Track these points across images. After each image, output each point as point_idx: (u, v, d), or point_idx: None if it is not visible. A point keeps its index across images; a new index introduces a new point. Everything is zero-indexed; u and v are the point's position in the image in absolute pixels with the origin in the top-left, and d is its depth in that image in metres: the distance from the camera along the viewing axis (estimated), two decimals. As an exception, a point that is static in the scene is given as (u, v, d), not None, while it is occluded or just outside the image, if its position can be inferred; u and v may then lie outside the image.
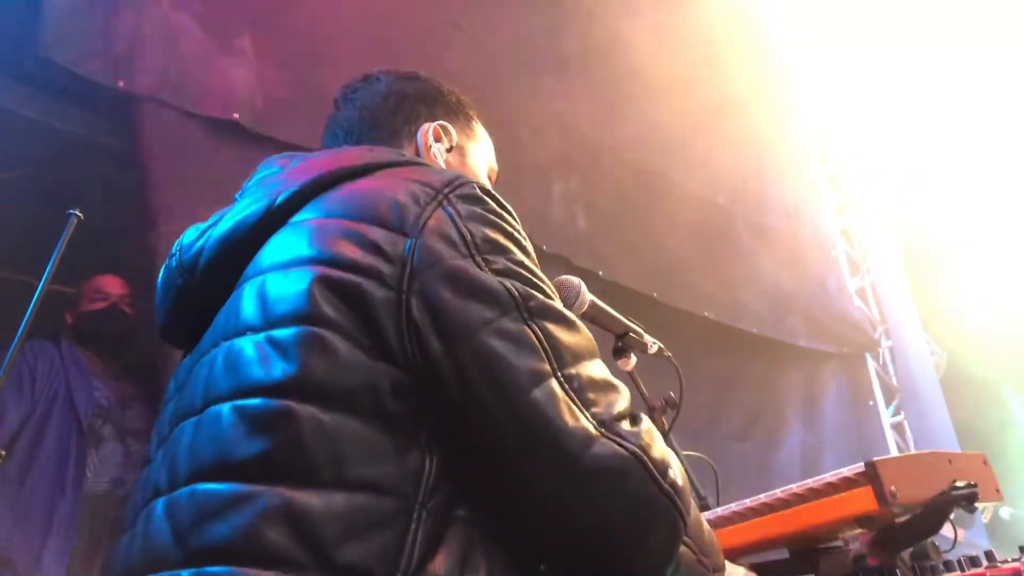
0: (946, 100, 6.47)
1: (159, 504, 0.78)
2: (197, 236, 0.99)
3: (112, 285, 2.65)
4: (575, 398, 0.75)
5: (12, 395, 2.29)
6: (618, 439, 0.74)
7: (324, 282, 0.79)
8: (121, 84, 2.25)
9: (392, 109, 1.17)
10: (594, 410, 0.76)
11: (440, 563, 0.70)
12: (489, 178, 1.26)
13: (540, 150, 3.62)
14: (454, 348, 0.75)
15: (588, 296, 1.40)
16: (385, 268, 0.78)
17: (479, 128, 1.27)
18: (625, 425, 0.77)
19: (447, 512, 0.74)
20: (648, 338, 1.50)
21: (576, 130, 3.92)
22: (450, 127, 1.18)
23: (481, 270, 0.79)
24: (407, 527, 0.71)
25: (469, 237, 0.81)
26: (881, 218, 6.46)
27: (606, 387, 0.80)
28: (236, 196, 1.06)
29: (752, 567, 1.12)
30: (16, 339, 1.80)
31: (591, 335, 0.84)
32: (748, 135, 4.99)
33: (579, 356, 0.79)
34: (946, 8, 6.23)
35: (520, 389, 0.74)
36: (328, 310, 0.77)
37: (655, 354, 1.52)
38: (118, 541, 0.87)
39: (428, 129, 1.16)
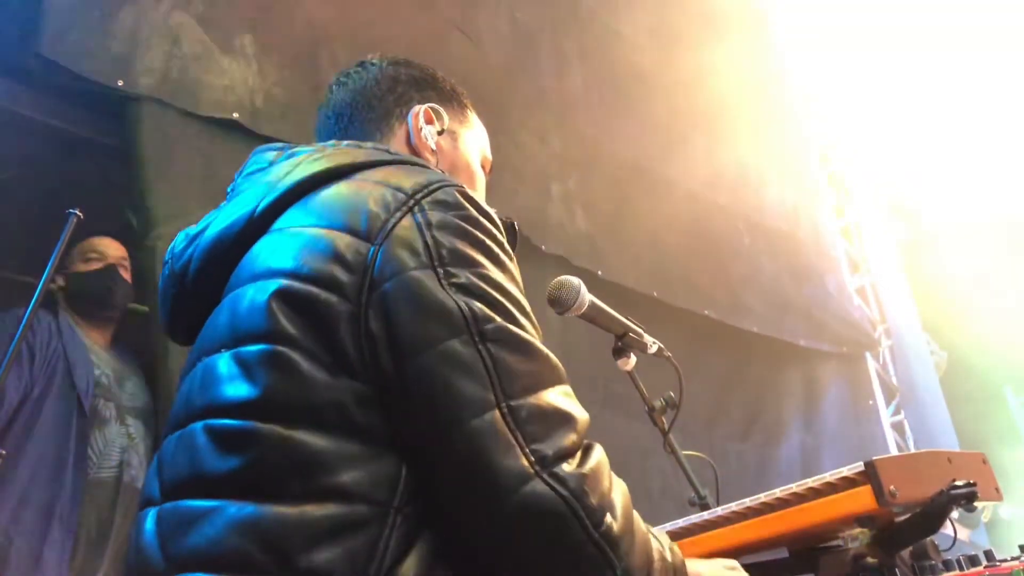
0: (946, 100, 6.47)
1: (151, 514, 0.80)
2: (186, 244, 1.00)
3: (109, 246, 2.50)
4: (517, 431, 0.71)
5: (12, 370, 2.11)
6: (553, 480, 0.70)
7: (282, 296, 0.78)
8: (121, 83, 2.24)
9: (384, 91, 1.16)
10: (535, 446, 0.71)
11: (410, 566, 0.70)
12: (483, 167, 1.24)
13: (539, 150, 3.62)
14: (401, 366, 0.73)
15: (588, 296, 1.40)
16: (345, 277, 0.77)
17: (473, 116, 1.25)
18: (566, 465, 0.72)
19: (423, 517, 0.73)
20: (648, 338, 1.50)
21: (575, 130, 3.92)
22: (442, 110, 1.16)
23: (440, 284, 0.76)
24: (380, 531, 0.70)
25: (434, 247, 0.78)
26: (881, 218, 6.46)
27: (556, 419, 0.75)
28: (228, 189, 1.07)
29: (752, 567, 1.12)
30: (16, 338, 1.81)
31: (556, 362, 0.80)
32: (748, 135, 4.99)
33: (531, 386, 0.75)
34: (946, 9, 6.23)
35: (457, 418, 0.71)
36: (288, 326, 0.76)
37: (655, 354, 1.52)
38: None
39: (419, 111, 1.14)
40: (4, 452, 1.88)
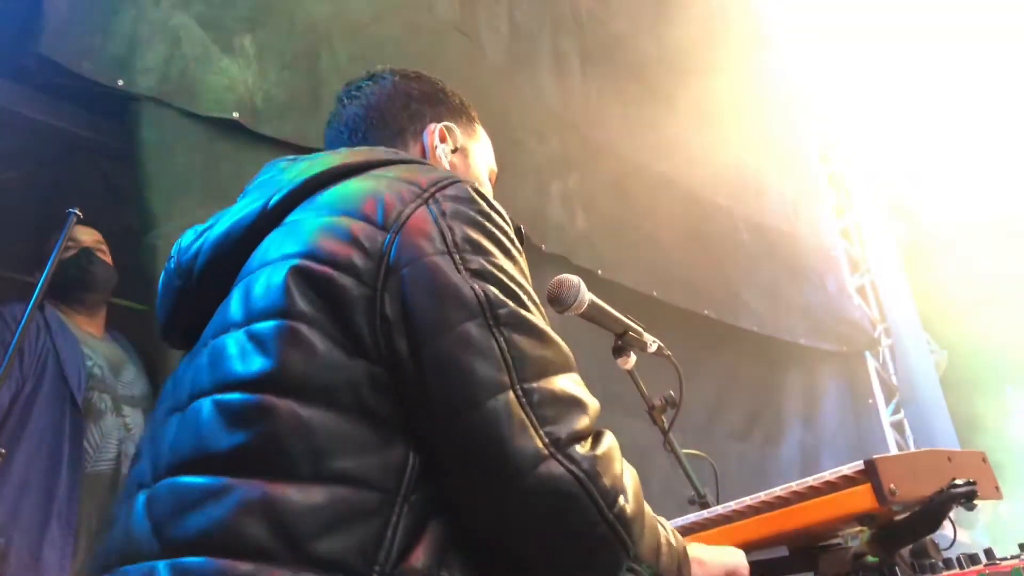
0: (947, 99, 6.47)
1: (141, 497, 0.78)
2: (195, 238, 1.00)
3: (82, 232, 2.45)
4: (531, 413, 0.73)
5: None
6: (567, 461, 0.72)
7: (299, 274, 0.79)
8: (121, 83, 2.24)
9: (398, 108, 1.18)
10: (549, 427, 0.73)
11: (419, 557, 0.70)
12: (489, 179, 1.26)
13: (539, 150, 3.62)
14: (418, 348, 0.74)
15: (588, 295, 1.40)
16: (361, 263, 0.78)
17: (480, 129, 1.28)
18: (579, 447, 0.74)
19: (429, 506, 0.73)
20: (648, 337, 1.50)
21: (575, 129, 3.92)
22: (455, 128, 1.19)
23: (456, 269, 0.77)
24: (388, 520, 0.70)
25: (449, 235, 0.80)
26: (881, 218, 6.47)
27: (569, 403, 0.76)
28: (239, 199, 1.07)
29: (752, 565, 1.12)
30: (15, 338, 1.81)
31: (567, 349, 0.82)
32: (748, 135, 4.99)
33: (543, 370, 0.77)
34: (947, 8, 6.23)
35: (473, 399, 0.72)
36: (303, 305, 0.77)
37: (655, 353, 1.52)
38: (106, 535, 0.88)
39: (435, 130, 1.17)
40: (4, 451, 1.88)
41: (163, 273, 1.04)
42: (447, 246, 0.79)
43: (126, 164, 2.32)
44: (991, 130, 6.52)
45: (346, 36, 2.88)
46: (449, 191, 0.85)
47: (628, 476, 0.78)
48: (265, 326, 0.78)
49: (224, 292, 0.91)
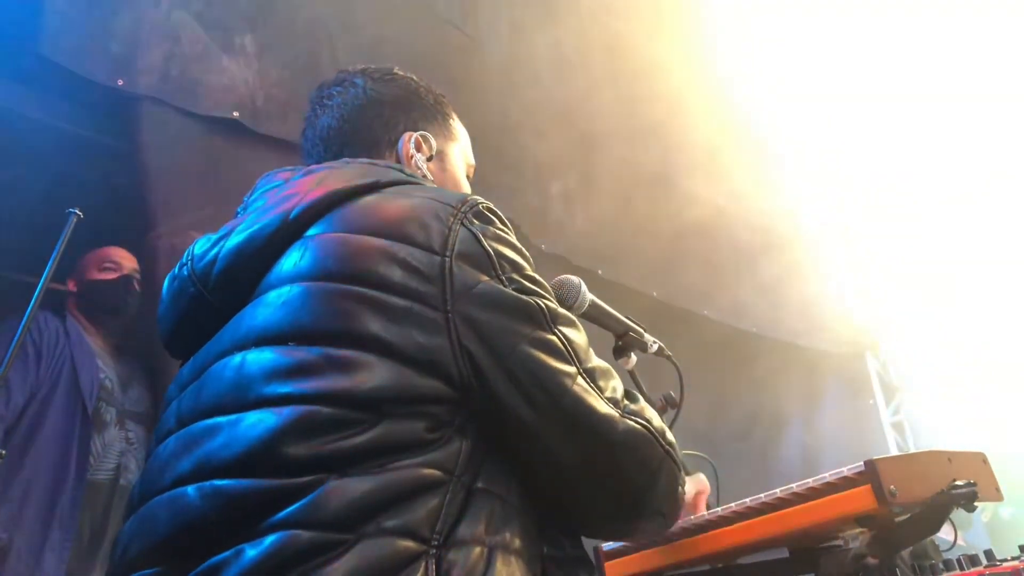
0: (948, 97, 6.47)
1: (190, 489, 0.80)
2: (210, 246, 1.00)
3: (124, 257, 2.54)
4: (594, 387, 0.90)
5: (18, 370, 2.16)
6: (632, 417, 0.91)
7: (368, 302, 0.83)
8: (121, 83, 2.25)
9: (371, 118, 1.18)
10: (608, 395, 0.91)
11: (467, 526, 0.79)
12: (468, 175, 1.29)
13: (539, 149, 3.62)
14: (504, 360, 0.86)
15: (588, 296, 1.40)
16: (424, 288, 0.85)
17: (455, 125, 1.29)
18: (631, 404, 0.93)
19: (472, 485, 0.83)
20: (648, 337, 1.50)
21: (575, 129, 3.92)
22: (430, 136, 1.20)
23: (507, 288, 0.89)
24: (444, 497, 0.80)
25: (495, 257, 0.90)
26: (881, 217, 6.47)
27: (608, 374, 0.94)
28: (238, 210, 1.08)
29: (752, 567, 1.12)
30: (16, 338, 1.80)
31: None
32: (748, 134, 4.99)
33: (587, 351, 0.93)
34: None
35: (562, 388, 0.88)
36: (376, 328, 0.83)
37: (655, 353, 1.52)
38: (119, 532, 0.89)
39: (409, 139, 1.18)
40: (4, 452, 1.88)
41: (171, 280, 1.03)
42: (496, 270, 0.90)
43: (126, 164, 2.32)
44: (991, 127, 6.52)
45: (346, 36, 2.88)
46: (476, 210, 0.93)
47: (656, 414, 0.97)
48: (342, 350, 0.82)
49: (240, 298, 0.92)
